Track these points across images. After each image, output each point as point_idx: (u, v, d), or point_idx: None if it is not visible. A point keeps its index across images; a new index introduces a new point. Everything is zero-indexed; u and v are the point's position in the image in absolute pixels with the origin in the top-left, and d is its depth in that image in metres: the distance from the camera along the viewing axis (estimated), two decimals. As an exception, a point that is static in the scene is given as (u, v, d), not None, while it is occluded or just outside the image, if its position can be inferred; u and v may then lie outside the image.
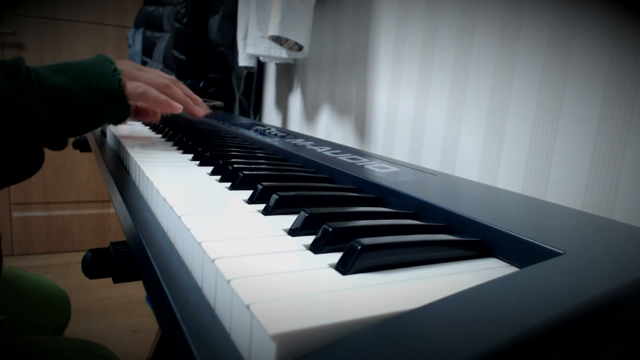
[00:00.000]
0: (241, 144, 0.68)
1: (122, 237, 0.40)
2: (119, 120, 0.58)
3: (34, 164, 0.50)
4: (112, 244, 0.39)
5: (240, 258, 0.25)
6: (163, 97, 0.59)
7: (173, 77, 0.66)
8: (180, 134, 0.70)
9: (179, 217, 0.31)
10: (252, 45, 1.09)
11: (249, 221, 0.33)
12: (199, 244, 0.26)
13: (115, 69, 0.54)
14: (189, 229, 0.29)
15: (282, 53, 1.05)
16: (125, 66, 0.58)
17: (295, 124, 1.21)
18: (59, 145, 0.52)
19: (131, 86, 0.56)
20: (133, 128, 0.86)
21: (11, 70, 0.47)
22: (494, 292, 0.21)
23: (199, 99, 0.68)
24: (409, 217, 0.36)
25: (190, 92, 0.67)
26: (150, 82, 0.59)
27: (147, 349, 1.52)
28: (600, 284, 0.22)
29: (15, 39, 2.14)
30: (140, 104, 0.63)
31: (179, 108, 0.61)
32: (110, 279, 0.39)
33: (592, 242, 0.28)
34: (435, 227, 0.33)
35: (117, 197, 0.46)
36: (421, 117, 0.76)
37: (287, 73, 1.25)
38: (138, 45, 1.85)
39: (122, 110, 0.56)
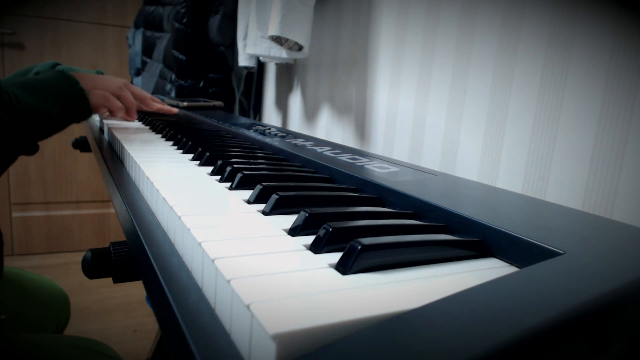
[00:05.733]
0: (241, 144, 0.68)
1: (122, 237, 0.40)
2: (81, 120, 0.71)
3: (8, 165, 0.59)
4: (112, 244, 0.39)
5: (240, 258, 0.25)
6: (116, 103, 0.73)
7: (124, 81, 0.80)
8: (180, 134, 0.70)
9: (179, 217, 0.31)
10: (252, 45, 1.09)
11: (249, 221, 0.33)
12: (199, 243, 0.26)
13: (82, 89, 0.65)
14: (189, 229, 0.29)
15: (282, 53, 1.05)
16: (82, 78, 0.68)
17: (295, 124, 1.21)
18: (32, 151, 0.60)
19: (95, 98, 0.69)
20: (133, 128, 0.86)
21: None
22: (494, 292, 0.21)
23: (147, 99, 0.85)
24: (409, 217, 0.36)
25: (140, 95, 0.84)
26: (107, 88, 0.72)
27: (147, 349, 1.52)
28: (600, 284, 0.22)
29: (15, 39, 2.14)
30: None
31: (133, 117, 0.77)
32: (110, 279, 0.39)
33: (592, 242, 0.28)
34: (435, 227, 0.33)
35: (117, 197, 0.46)
36: (421, 117, 0.76)
37: (287, 73, 1.25)
38: (138, 45, 1.85)
39: (86, 116, 0.68)
